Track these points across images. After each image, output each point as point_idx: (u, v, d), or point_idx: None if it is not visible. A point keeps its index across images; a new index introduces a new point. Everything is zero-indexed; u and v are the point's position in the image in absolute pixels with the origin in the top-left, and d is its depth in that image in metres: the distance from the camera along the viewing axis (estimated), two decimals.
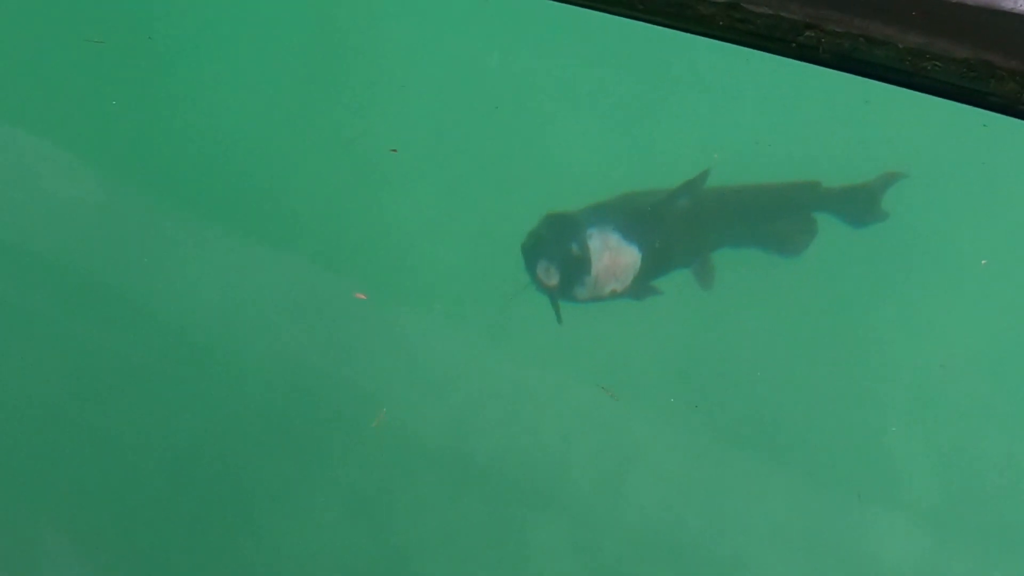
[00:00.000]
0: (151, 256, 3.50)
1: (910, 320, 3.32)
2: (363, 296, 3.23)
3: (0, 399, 3.14)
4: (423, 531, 3.13)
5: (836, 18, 2.53)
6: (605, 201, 3.29)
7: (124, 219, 3.47)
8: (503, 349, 3.22)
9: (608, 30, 3.20)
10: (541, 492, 3.20)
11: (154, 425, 3.21)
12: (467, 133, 3.48)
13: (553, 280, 3.20)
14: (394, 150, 3.39)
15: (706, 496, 3.18)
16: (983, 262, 3.11)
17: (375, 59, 3.52)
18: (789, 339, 3.34)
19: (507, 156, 3.44)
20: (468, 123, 3.49)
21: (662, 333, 3.36)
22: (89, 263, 3.43)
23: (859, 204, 3.17)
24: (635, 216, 3.26)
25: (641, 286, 3.28)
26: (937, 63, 2.60)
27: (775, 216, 3.26)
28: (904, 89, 2.96)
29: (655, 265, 3.26)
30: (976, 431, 3.30)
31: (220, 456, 3.05)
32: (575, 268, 3.21)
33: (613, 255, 3.22)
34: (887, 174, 3.18)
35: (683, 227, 3.34)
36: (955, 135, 3.11)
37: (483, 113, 3.41)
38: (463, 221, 3.36)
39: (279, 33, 3.60)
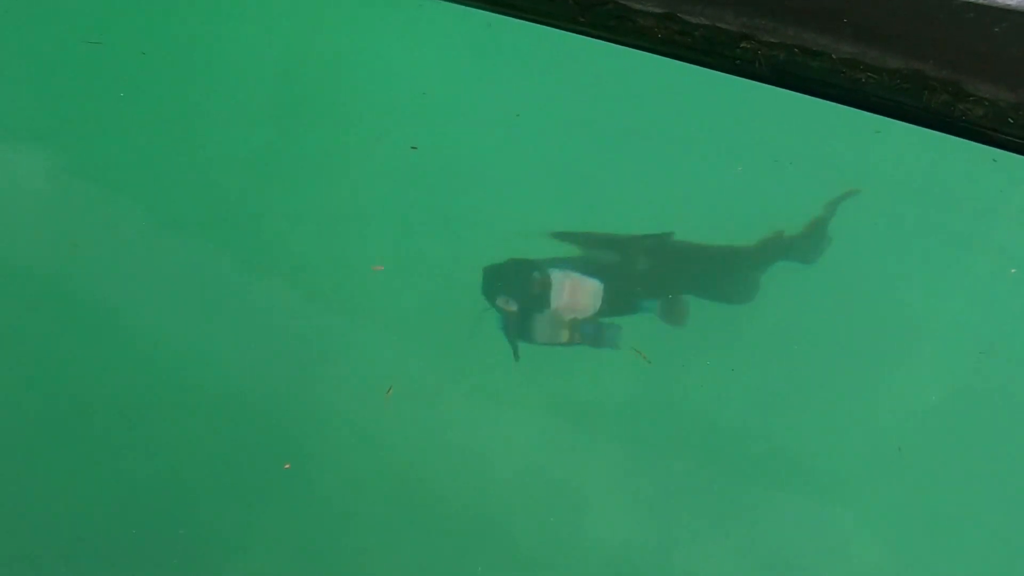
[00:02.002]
0: (124, 264, 3.48)
1: (884, 360, 3.27)
2: (380, 268, 3.17)
3: None
4: (370, 569, 2.98)
5: (770, 27, 2.57)
6: (568, 256, 3.30)
7: (107, 230, 3.47)
8: (457, 386, 3.13)
9: (585, 55, 3.26)
10: (492, 532, 3.06)
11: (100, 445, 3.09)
12: (428, 162, 3.50)
13: (512, 305, 3.14)
14: (414, 147, 3.40)
15: (659, 539, 3.04)
16: (1012, 271, 3.04)
17: (366, 79, 3.59)
18: (751, 384, 3.27)
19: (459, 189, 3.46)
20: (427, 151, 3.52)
21: (621, 373, 3.28)
22: (67, 268, 3.40)
23: (813, 240, 3.13)
24: (597, 261, 3.23)
25: (601, 323, 3.22)
26: (871, 75, 2.62)
27: (735, 271, 3.21)
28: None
29: (616, 302, 3.20)
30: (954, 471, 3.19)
31: (164, 477, 2.93)
32: (536, 293, 3.15)
33: (574, 285, 3.18)
34: (836, 199, 3.15)
35: (646, 272, 3.31)
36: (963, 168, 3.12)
37: (440, 142, 3.44)
38: (424, 255, 3.33)
39: (264, 55, 3.69)
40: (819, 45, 2.64)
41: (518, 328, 3.14)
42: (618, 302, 3.27)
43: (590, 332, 3.27)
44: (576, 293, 3.22)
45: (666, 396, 3.22)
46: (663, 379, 3.21)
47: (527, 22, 3.08)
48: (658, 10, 2.75)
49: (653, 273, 3.30)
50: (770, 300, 3.34)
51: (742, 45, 2.74)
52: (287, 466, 2.89)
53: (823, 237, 3.25)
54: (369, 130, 3.58)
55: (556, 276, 3.18)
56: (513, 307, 3.12)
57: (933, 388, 3.11)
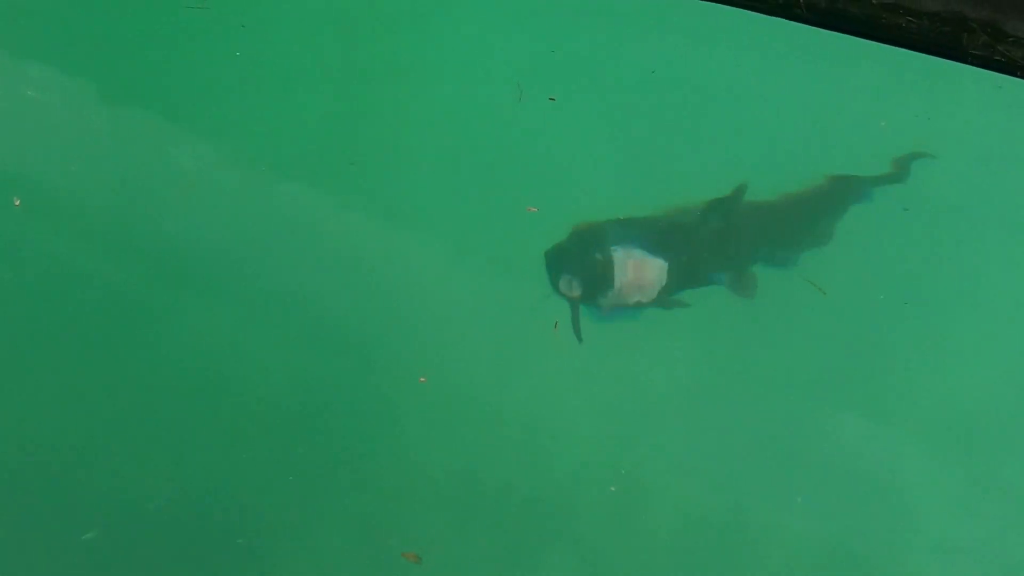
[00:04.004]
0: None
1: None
2: (534, 209, 3.24)
3: None
4: (431, 561, 2.91)
5: None
6: (632, 217, 3.27)
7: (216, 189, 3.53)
8: (516, 375, 3.12)
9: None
10: (552, 521, 3.02)
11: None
12: (483, 134, 3.59)
13: (575, 289, 3.10)
14: (552, 98, 3.54)
15: (720, 526, 2.98)
16: None
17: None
18: (812, 369, 3.23)
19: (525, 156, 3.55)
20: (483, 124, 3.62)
21: (676, 363, 3.21)
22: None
23: (886, 178, 3.10)
24: (663, 231, 3.13)
25: (667, 296, 3.14)
26: (911, 18, 2.69)
27: (810, 224, 3.18)
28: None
29: (683, 278, 3.16)
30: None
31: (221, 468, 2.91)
32: (598, 274, 3.14)
33: (637, 265, 3.15)
34: (915, 153, 3.13)
35: (713, 243, 3.26)
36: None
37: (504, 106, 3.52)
38: (484, 240, 3.35)
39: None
40: None
41: (582, 301, 3.11)
42: (685, 275, 3.18)
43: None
44: (641, 269, 3.18)
45: (724, 385, 3.12)
46: (722, 368, 3.13)
47: None
48: None
49: (722, 238, 3.23)
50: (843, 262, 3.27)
51: None
52: (422, 380, 2.91)
53: (899, 171, 3.21)
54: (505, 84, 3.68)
55: (619, 256, 3.14)
56: (577, 291, 3.07)
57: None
